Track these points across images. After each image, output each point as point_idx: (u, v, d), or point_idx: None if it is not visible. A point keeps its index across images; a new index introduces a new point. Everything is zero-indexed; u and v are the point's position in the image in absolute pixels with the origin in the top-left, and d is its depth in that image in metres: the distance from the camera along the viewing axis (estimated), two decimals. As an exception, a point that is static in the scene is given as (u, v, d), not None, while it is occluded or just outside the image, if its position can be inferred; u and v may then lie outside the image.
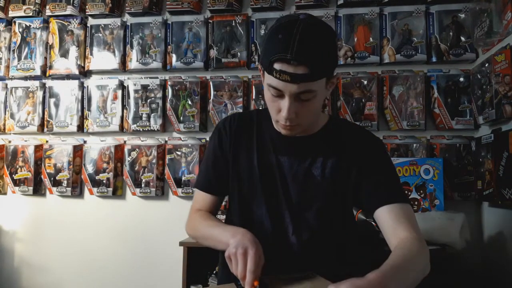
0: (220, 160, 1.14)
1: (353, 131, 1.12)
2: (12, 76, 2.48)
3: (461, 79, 2.12)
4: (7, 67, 2.49)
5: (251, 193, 1.09)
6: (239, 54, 2.29)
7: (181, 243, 1.90)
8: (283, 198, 1.07)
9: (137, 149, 2.33)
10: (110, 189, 2.33)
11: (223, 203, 2.10)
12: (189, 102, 2.30)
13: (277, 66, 0.90)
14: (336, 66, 1.00)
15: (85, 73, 2.45)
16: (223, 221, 1.19)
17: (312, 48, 0.90)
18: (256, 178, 1.08)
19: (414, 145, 2.13)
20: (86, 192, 2.40)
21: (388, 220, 0.98)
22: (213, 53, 2.31)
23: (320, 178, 1.06)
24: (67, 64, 2.43)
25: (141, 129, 2.34)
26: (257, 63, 2.24)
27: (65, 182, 2.36)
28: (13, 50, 2.48)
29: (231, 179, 1.13)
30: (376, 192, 1.02)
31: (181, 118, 2.30)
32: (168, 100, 2.32)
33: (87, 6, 2.41)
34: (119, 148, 2.36)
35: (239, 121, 1.15)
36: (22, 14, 2.48)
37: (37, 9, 2.49)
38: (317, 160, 1.07)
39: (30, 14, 2.48)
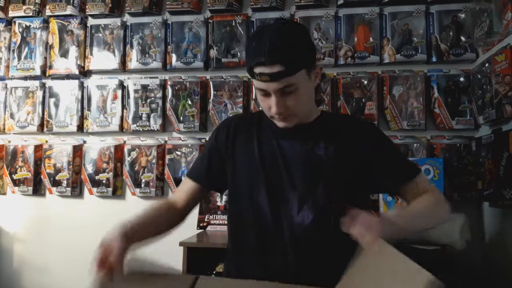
0: (214, 155, 1.19)
1: (348, 119, 1.25)
2: (12, 76, 2.48)
3: (461, 79, 2.12)
4: (7, 67, 2.49)
5: (251, 181, 1.11)
6: (239, 54, 2.29)
7: (181, 243, 1.89)
8: (287, 180, 1.08)
9: (137, 149, 2.33)
10: (110, 189, 2.33)
11: (223, 203, 2.09)
12: (189, 102, 2.30)
13: (256, 70, 1.01)
14: (314, 58, 1.10)
15: (85, 73, 2.45)
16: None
17: (282, 46, 0.99)
18: (256, 163, 1.11)
19: (415, 145, 2.12)
20: (86, 192, 2.40)
21: (411, 196, 1.11)
22: (213, 53, 2.31)
23: (325, 158, 1.08)
24: (67, 64, 2.43)
25: (141, 129, 2.34)
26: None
27: (65, 182, 2.36)
28: (13, 50, 2.48)
29: (229, 173, 1.16)
30: (392, 174, 1.12)
31: (181, 118, 2.30)
32: (168, 100, 2.32)
33: (87, 6, 2.41)
34: (119, 148, 2.36)
35: (240, 119, 1.22)
36: (22, 14, 2.48)
37: (37, 9, 2.49)
38: (319, 142, 1.10)
39: (30, 14, 2.48)
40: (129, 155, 2.33)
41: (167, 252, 2.23)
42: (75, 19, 2.45)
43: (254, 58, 1.00)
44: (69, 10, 2.43)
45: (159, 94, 2.34)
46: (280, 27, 1.04)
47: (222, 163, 1.18)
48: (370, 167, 1.09)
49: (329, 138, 1.10)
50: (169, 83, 2.34)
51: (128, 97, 2.37)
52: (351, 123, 1.18)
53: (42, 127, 2.44)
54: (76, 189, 2.39)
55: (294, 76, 1.00)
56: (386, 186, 1.18)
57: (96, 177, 2.34)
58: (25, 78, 2.48)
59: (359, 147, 1.10)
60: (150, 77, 2.37)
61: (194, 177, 1.21)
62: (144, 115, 2.34)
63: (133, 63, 2.37)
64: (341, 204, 0.98)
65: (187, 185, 1.21)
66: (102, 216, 2.37)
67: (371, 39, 2.19)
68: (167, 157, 2.30)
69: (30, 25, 2.49)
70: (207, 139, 2.27)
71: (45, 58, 2.46)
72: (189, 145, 2.30)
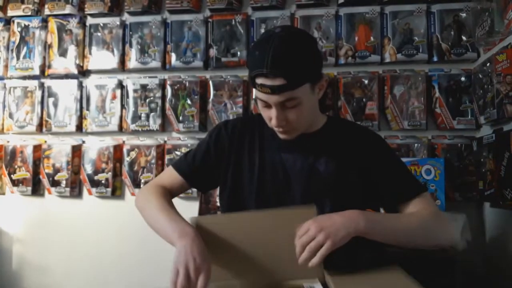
0: (210, 156, 1.16)
1: (354, 129, 1.17)
2: (11, 75, 2.47)
3: (463, 78, 2.11)
4: (6, 66, 2.48)
5: (249, 192, 1.10)
6: (239, 53, 2.27)
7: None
8: (286, 196, 1.07)
9: (136, 149, 2.31)
10: (109, 189, 2.32)
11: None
12: (189, 102, 2.29)
13: (258, 80, 0.99)
14: (320, 71, 1.05)
15: (83, 72, 2.44)
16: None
17: (285, 59, 0.96)
18: (257, 176, 1.09)
19: (415, 145, 2.11)
20: (85, 192, 2.39)
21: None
22: (212, 52, 2.30)
23: (325, 174, 1.07)
24: (66, 64, 2.42)
25: (140, 129, 2.33)
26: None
27: (64, 182, 2.35)
28: (12, 50, 2.47)
29: (229, 181, 1.14)
30: (395, 190, 1.09)
31: (181, 118, 2.29)
32: (167, 99, 2.31)
33: (86, 5, 2.40)
34: (118, 148, 2.35)
35: (243, 124, 1.19)
36: (21, 13, 2.47)
37: (35, 8, 2.48)
38: (321, 157, 1.08)
39: (29, 13, 2.47)
40: (128, 155, 2.32)
41: (167, 252, 2.23)
42: (74, 18, 2.44)
43: (256, 68, 0.98)
44: (68, 9, 2.42)
45: (158, 94, 2.33)
46: (285, 37, 0.99)
47: (215, 165, 1.16)
48: (374, 182, 1.08)
49: (332, 152, 1.08)
50: (168, 82, 2.32)
51: (127, 97, 2.35)
52: (357, 135, 1.14)
53: (41, 127, 2.43)
54: (75, 189, 2.38)
55: (297, 90, 0.98)
56: (388, 202, 1.13)
57: (95, 177, 2.33)
58: (24, 77, 2.47)
59: (362, 161, 1.08)
60: (149, 77, 2.36)
61: (181, 172, 1.18)
62: (143, 115, 2.33)
63: (132, 63, 2.36)
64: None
65: (172, 177, 1.19)
66: (101, 217, 2.38)
67: (372, 38, 2.18)
68: (167, 157, 2.29)
69: (28, 25, 2.47)
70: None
71: (44, 57, 2.45)
72: (189, 145, 2.28)
